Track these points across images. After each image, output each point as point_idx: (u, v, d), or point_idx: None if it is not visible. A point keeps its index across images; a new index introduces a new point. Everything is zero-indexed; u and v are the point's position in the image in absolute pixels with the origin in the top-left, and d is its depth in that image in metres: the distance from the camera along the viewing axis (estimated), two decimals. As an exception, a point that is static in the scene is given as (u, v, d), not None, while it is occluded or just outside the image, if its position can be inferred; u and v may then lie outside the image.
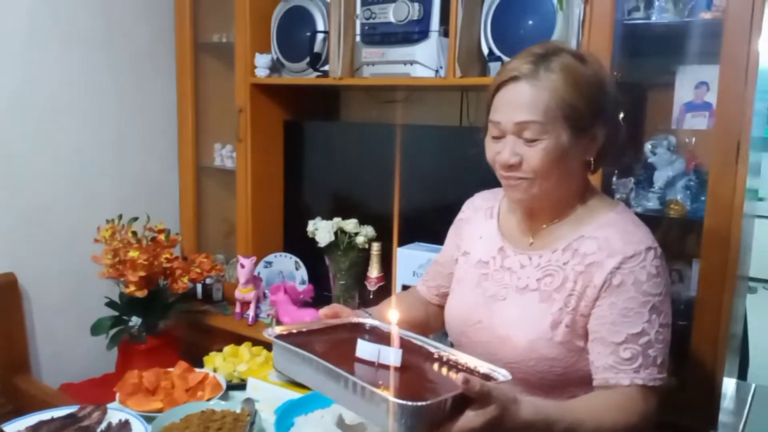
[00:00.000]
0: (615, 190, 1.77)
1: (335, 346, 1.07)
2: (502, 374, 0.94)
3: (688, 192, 1.71)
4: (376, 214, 2.29)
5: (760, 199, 6.23)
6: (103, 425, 1.26)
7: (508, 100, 1.09)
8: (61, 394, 2.19)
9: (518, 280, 1.17)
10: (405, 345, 1.03)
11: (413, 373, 0.97)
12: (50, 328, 2.38)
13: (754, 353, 3.50)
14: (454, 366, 0.99)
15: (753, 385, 1.95)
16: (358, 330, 1.14)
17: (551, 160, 1.07)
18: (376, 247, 2.08)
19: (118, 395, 1.41)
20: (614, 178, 1.78)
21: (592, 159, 1.13)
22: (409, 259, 1.94)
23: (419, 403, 0.80)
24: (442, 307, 1.37)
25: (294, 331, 1.08)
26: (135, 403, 1.38)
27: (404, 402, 0.80)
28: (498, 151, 1.10)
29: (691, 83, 1.67)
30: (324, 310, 1.17)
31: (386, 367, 0.96)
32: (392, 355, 0.97)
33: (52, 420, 1.26)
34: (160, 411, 1.34)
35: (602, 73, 1.11)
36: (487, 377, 0.94)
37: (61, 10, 2.31)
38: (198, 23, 2.59)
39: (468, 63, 1.87)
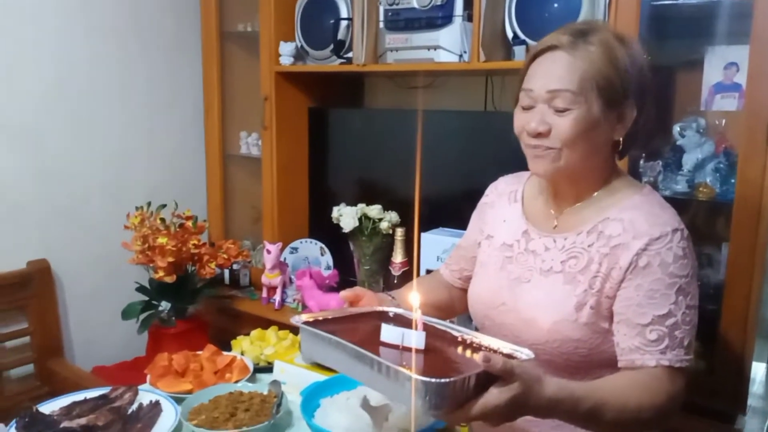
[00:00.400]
0: (642, 173, 1.75)
1: (360, 332, 1.08)
2: (525, 353, 0.94)
3: (718, 174, 1.68)
4: (401, 200, 2.30)
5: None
6: (135, 406, 1.29)
7: (544, 68, 1.09)
8: (93, 376, 2.24)
9: (542, 262, 1.16)
10: (429, 330, 1.03)
11: (437, 355, 0.98)
12: (83, 313, 2.45)
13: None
14: (477, 348, 1.00)
15: (784, 371, 1.92)
16: (382, 317, 1.15)
17: (580, 131, 1.07)
18: (399, 232, 2.09)
19: (148, 377, 1.44)
20: (642, 161, 1.76)
21: (620, 140, 1.12)
22: (434, 244, 1.95)
23: (443, 380, 0.81)
24: (465, 291, 1.38)
25: (320, 318, 1.10)
26: (165, 384, 1.41)
27: (428, 379, 0.81)
28: (527, 121, 1.10)
29: (721, 64, 1.64)
30: (345, 293, 1.19)
31: (410, 350, 0.97)
32: (415, 338, 0.98)
33: (85, 401, 1.30)
34: (189, 392, 1.37)
35: (639, 56, 1.11)
36: (509, 357, 0.94)
37: (88, 3, 2.35)
38: (223, 13, 2.61)
39: (492, 47, 1.85)
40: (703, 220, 1.83)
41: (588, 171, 1.14)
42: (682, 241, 1.07)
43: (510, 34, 1.85)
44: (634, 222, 1.08)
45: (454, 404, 0.84)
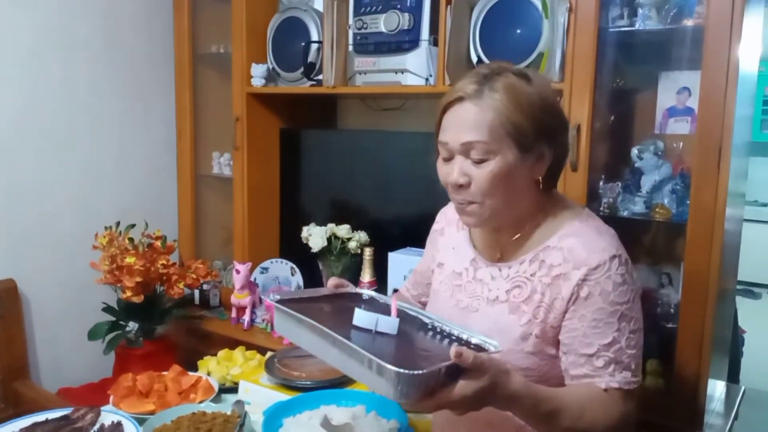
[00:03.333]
0: (602, 195, 1.80)
1: (335, 313, 1.09)
2: (493, 345, 0.97)
3: (674, 196, 1.73)
4: (372, 220, 2.32)
5: (765, 205, 6.22)
6: (96, 427, 1.29)
7: (454, 121, 1.09)
8: (59, 398, 2.22)
9: (489, 291, 1.18)
10: (400, 315, 1.05)
11: (409, 342, 1.00)
12: (50, 333, 2.42)
13: (759, 358, 3.48)
14: (447, 336, 1.02)
15: (743, 388, 1.96)
16: (356, 300, 1.16)
17: (498, 181, 1.07)
18: (368, 252, 2.11)
19: (111, 398, 1.44)
20: (601, 183, 1.80)
21: (540, 178, 1.12)
22: (401, 263, 1.97)
23: (415, 372, 0.83)
24: None
25: (296, 297, 1.11)
26: (128, 405, 1.41)
27: (400, 370, 0.83)
28: (448, 173, 1.11)
29: (674, 88, 1.70)
30: (332, 281, 1.19)
31: (383, 335, 0.99)
32: (389, 324, 1.00)
33: (47, 422, 1.29)
34: (152, 413, 1.37)
35: (547, 92, 1.12)
36: (479, 348, 0.97)
37: (62, 24, 2.37)
38: (196, 35, 2.64)
39: (457, 71, 1.89)
40: (663, 240, 1.88)
41: (517, 212, 1.14)
42: (620, 267, 1.08)
43: (474, 59, 1.89)
44: (573, 251, 1.09)
45: (424, 394, 0.87)
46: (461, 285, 1.23)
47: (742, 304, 5.40)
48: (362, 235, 2.23)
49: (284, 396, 1.36)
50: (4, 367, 2.24)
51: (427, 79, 1.99)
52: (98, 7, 2.46)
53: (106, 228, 2.20)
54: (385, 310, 1.05)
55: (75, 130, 2.44)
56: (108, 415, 1.32)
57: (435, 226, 1.37)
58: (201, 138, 2.73)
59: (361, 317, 1.00)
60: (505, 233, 1.18)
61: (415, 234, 2.04)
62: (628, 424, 1.08)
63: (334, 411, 1.26)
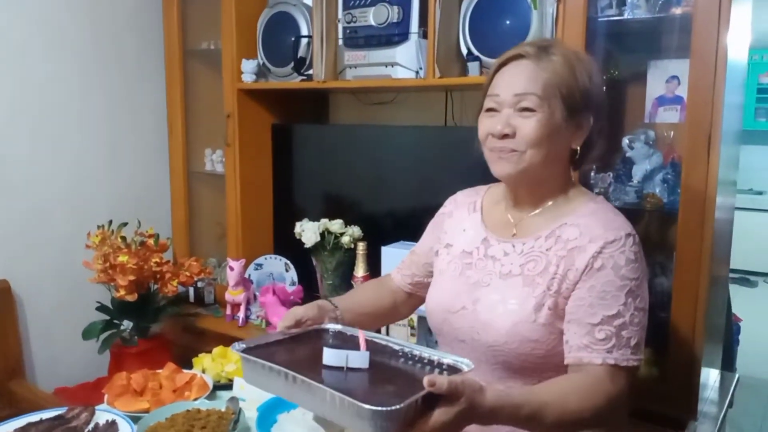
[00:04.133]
0: (594, 185, 1.80)
1: (303, 355, 1.09)
2: (465, 364, 0.98)
3: (665, 185, 1.73)
4: (365, 214, 2.32)
5: (759, 193, 6.22)
6: (91, 426, 1.28)
7: (510, 75, 1.16)
8: (55, 397, 2.21)
9: (502, 266, 1.20)
10: (370, 346, 1.05)
11: (382, 373, 1.00)
12: (44, 333, 2.41)
13: (755, 345, 3.50)
14: (419, 360, 1.03)
15: (737, 375, 1.97)
16: (323, 335, 1.16)
17: (544, 134, 1.13)
18: (361, 246, 2.11)
19: (106, 396, 1.44)
20: (593, 173, 1.80)
21: (578, 149, 1.19)
22: (394, 257, 1.97)
23: (391, 408, 0.83)
24: (411, 295, 1.44)
25: (261, 343, 1.10)
26: (122, 404, 1.41)
27: (376, 408, 0.83)
28: (493, 124, 1.16)
29: (663, 77, 1.70)
30: (283, 322, 1.18)
31: (355, 371, 0.99)
32: (360, 359, 1.00)
33: (41, 421, 1.29)
34: (146, 411, 1.37)
35: (596, 73, 1.19)
36: (452, 368, 0.98)
37: (49, 21, 2.35)
38: (186, 31, 2.63)
39: (447, 63, 1.90)
40: (655, 229, 1.88)
41: (547, 177, 1.19)
42: (634, 245, 1.13)
43: (464, 51, 1.89)
44: (590, 226, 1.14)
45: (403, 426, 0.86)
46: (471, 263, 1.26)
47: (738, 292, 5.44)
48: (355, 230, 2.23)
49: (278, 392, 1.36)
50: (0, 368, 2.24)
51: (417, 72, 1.99)
52: (86, 2, 2.44)
53: (98, 227, 2.19)
54: (353, 342, 1.06)
55: (65, 129, 2.43)
56: (102, 414, 1.32)
57: (442, 210, 1.41)
58: (193, 135, 2.72)
59: (331, 356, 0.99)
60: (524, 206, 1.23)
61: (409, 228, 2.05)
62: (617, 404, 1.09)
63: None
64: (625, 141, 1.79)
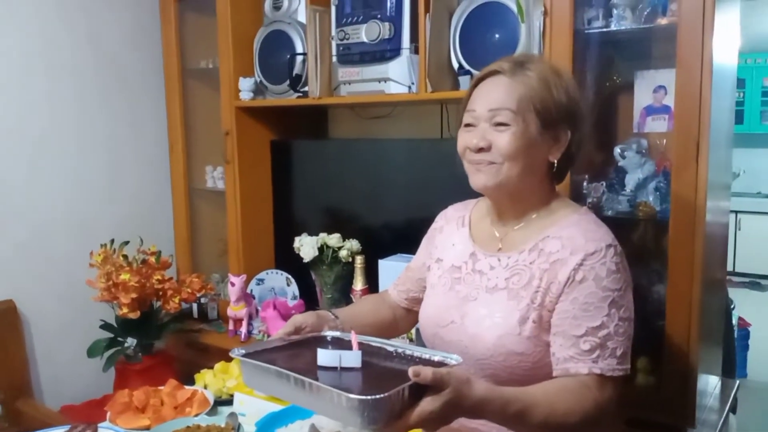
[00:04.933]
0: (586, 195, 1.81)
1: (299, 358, 1.11)
2: (454, 359, 1.01)
3: (658, 193, 1.73)
4: (363, 227, 2.34)
5: (767, 196, 6.17)
6: (93, 442, 1.31)
7: (486, 91, 1.19)
8: (61, 416, 2.24)
9: (488, 280, 1.22)
10: (364, 348, 1.08)
11: (375, 372, 1.03)
12: (50, 352, 2.45)
13: (766, 350, 3.46)
14: (411, 359, 1.05)
15: (737, 382, 1.97)
16: (320, 343, 1.18)
17: (519, 146, 1.15)
18: (359, 260, 2.13)
19: (108, 414, 1.46)
20: (585, 183, 1.81)
21: (555, 162, 1.20)
22: (391, 270, 1.98)
23: (376, 397, 0.86)
24: (409, 311, 1.46)
25: (259, 349, 1.13)
26: (124, 421, 1.43)
27: (363, 397, 0.86)
28: (470, 138, 1.19)
29: (650, 87, 1.71)
30: (283, 329, 1.21)
31: (349, 370, 1.02)
32: (352, 358, 1.02)
33: (44, 440, 1.32)
34: (147, 428, 1.39)
35: (572, 87, 1.21)
36: (441, 364, 1.00)
37: (52, 42, 2.40)
38: (185, 50, 2.67)
39: (439, 78, 1.92)
40: (649, 237, 1.88)
41: (527, 190, 1.21)
42: (615, 256, 1.14)
43: (455, 65, 1.92)
44: (571, 238, 1.16)
45: (391, 417, 0.89)
46: (460, 277, 1.28)
47: (748, 296, 5.40)
48: (354, 244, 2.24)
49: (277, 407, 1.38)
50: (6, 387, 2.27)
51: (409, 87, 2.01)
52: (85, 24, 2.49)
53: (101, 245, 2.22)
54: (350, 347, 1.08)
55: (66, 149, 2.47)
56: (105, 431, 1.34)
57: (434, 225, 1.44)
58: (193, 152, 2.76)
59: (324, 357, 1.03)
60: (508, 220, 1.25)
61: (406, 240, 2.06)
62: (605, 412, 1.10)
63: (323, 420, 1.28)
64: (617, 150, 1.80)
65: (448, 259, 1.32)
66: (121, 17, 2.59)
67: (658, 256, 1.82)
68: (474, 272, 1.25)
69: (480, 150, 1.17)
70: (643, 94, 1.72)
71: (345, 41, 2.10)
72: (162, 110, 2.73)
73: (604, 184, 1.80)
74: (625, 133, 1.86)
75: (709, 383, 1.84)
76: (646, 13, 1.62)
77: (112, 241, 2.23)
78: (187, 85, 2.70)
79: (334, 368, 1.02)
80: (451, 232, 1.36)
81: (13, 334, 2.30)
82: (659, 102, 1.70)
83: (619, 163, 1.80)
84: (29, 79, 2.35)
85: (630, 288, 1.16)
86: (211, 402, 1.50)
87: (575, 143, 1.21)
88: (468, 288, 1.25)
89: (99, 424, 1.37)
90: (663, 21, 1.60)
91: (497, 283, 1.21)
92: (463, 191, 1.39)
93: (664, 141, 1.80)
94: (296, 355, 1.13)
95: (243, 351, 1.10)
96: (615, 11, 1.66)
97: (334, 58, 2.18)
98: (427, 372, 0.89)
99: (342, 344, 1.17)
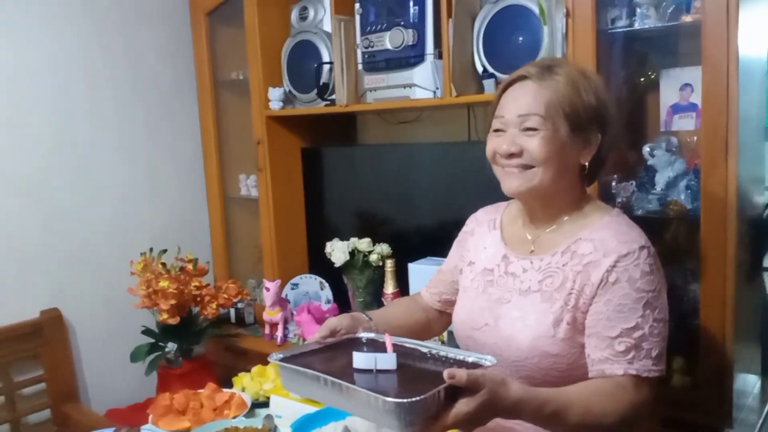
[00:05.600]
0: (615, 195, 1.80)
1: (336, 361, 1.14)
2: (488, 360, 1.02)
3: (689, 191, 1.71)
4: (393, 231, 2.37)
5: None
6: (136, 444, 1.37)
7: (514, 96, 1.20)
8: (106, 419, 2.31)
9: (521, 283, 1.23)
10: (399, 350, 1.10)
11: (410, 374, 1.04)
12: (95, 358, 2.54)
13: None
14: (446, 361, 1.07)
15: (778, 380, 1.92)
16: (356, 345, 1.21)
17: (549, 150, 1.16)
18: (390, 264, 2.15)
19: (150, 417, 1.52)
20: (614, 183, 1.80)
21: (586, 164, 1.21)
22: (421, 273, 2.00)
23: (412, 399, 0.88)
24: (442, 313, 1.47)
25: (296, 353, 1.17)
26: (166, 423, 1.48)
27: (398, 400, 0.88)
28: (499, 144, 1.20)
29: (676, 86, 1.69)
30: (319, 333, 1.23)
31: (385, 372, 1.04)
32: (387, 360, 1.05)
33: (90, 442, 1.38)
34: (188, 430, 1.44)
35: (601, 89, 1.21)
36: (475, 365, 1.02)
37: (91, 60, 2.49)
38: (216, 62, 2.74)
39: (463, 82, 1.93)
40: (682, 236, 1.86)
41: (559, 193, 1.22)
42: (649, 258, 1.14)
43: (479, 68, 1.93)
44: (604, 241, 1.16)
45: (427, 418, 0.91)
46: (493, 280, 1.29)
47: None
48: (384, 248, 2.27)
49: (312, 408, 1.41)
50: (55, 392, 2.37)
51: (434, 92, 2.03)
52: (121, 41, 2.57)
53: (141, 254, 2.30)
54: (385, 348, 1.10)
55: (105, 161, 2.56)
56: (147, 433, 1.40)
57: (465, 228, 1.45)
58: (227, 161, 2.82)
59: (360, 359, 1.05)
60: (540, 223, 1.26)
61: (436, 243, 2.08)
62: (640, 413, 1.11)
63: (357, 420, 1.30)
64: (646, 149, 1.78)
65: (480, 262, 1.33)
66: (155, 34, 2.68)
67: (691, 254, 1.80)
68: (507, 275, 1.26)
69: (511, 155, 1.18)
70: (669, 93, 1.70)
71: (370, 49, 2.13)
72: (196, 122, 2.81)
73: (634, 183, 1.79)
74: (652, 132, 1.84)
75: (748, 382, 1.81)
76: (669, 10, 1.61)
77: (151, 249, 2.30)
78: (219, 97, 2.77)
79: (369, 370, 1.04)
80: (483, 235, 1.37)
81: (59, 341, 2.39)
82: (686, 100, 1.69)
83: (649, 162, 1.78)
84: (71, 97, 2.45)
85: (664, 289, 1.16)
86: (249, 404, 1.54)
87: (606, 145, 1.21)
88: (501, 290, 1.26)
89: (141, 427, 1.43)
90: (687, 18, 1.58)
91: (530, 285, 1.22)
92: (492, 194, 1.39)
93: (694, 138, 1.78)
94: (332, 357, 1.16)
95: (281, 355, 1.14)
96: (638, 10, 1.65)
97: (360, 66, 2.21)
98: (462, 374, 0.90)
99: (377, 345, 1.19)
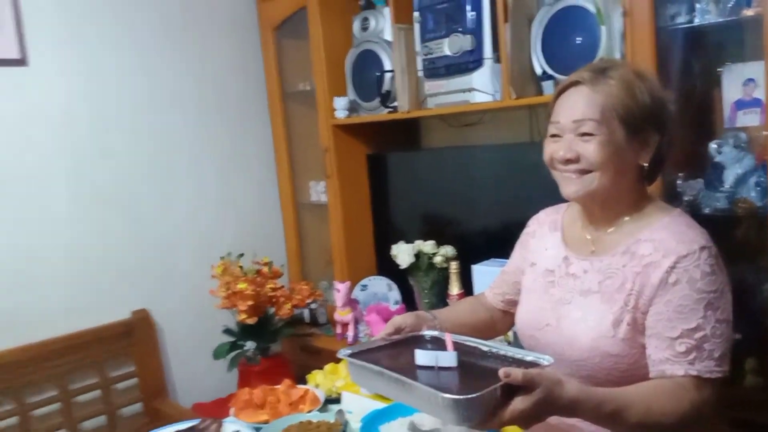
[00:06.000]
0: (681, 193, 1.77)
1: (401, 358, 1.19)
2: (546, 359, 1.05)
3: (759, 188, 1.66)
4: (457, 233, 2.40)
5: None
6: (219, 435, 1.47)
7: (568, 102, 1.21)
8: (192, 412, 2.47)
9: (582, 284, 1.25)
10: (460, 348, 1.14)
11: (471, 371, 1.09)
12: (181, 355, 2.71)
13: None
14: (505, 359, 1.10)
15: None
16: (420, 342, 1.26)
17: (606, 154, 1.16)
18: (454, 265, 2.19)
19: (232, 410, 1.63)
20: (679, 181, 1.77)
21: (645, 165, 1.21)
22: (485, 274, 2.03)
23: (469, 396, 0.92)
24: (505, 313, 1.50)
25: (364, 348, 1.23)
26: (246, 416, 1.57)
27: (456, 396, 0.93)
28: (556, 150, 1.21)
29: (739, 81, 1.65)
30: (384, 330, 1.30)
31: (446, 370, 1.09)
32: (448, 358, 1.10)
33: (177, 432, 1.50)
34: (266, 422, 1.53)
35: (657, 88, 1.21)
36: (533, 364, 1.05)
37: (169, 78, 2.66)
38: (284, 74, 2.87)
39: (522, 84, 1.95)
40: (753, 234, 1.81)
41: (618, 194, 1.22)
42: (710, 258, 1.13)
43: (539, 71, 1.95)
44: (663, 241, 1.16)
45: (485, 414, 0.95)
46: (554, 281, 1.31)
47: None
48: (448, 250, 2.31)
49: (381, 404, 1.47)
50: (146, 387, 2.55)
51: (493, 95, 2.06)
52: (197, 59, 2.73)
53: (220, 258, 2.44)
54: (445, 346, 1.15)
55: (187, 174, 2.72)
56: (229, 425, 1.49)
57: (527, 230, 1.47)
58: (297, 169, 2.94)
59: (422, 357, 1.09)
60: (600, 224, 1.26)
61: (499, 245, 2.09)
62: (701, 414, 1.10)
63: (423, 417, 1.33)
64: (713, 146, 1.75)
65: (541, 263, 1.35)
66: (227, 50, 2.82)
67: (762, 252, 1.75)
68: (567, 276, 1.28)
69: (568, 161, 1.19)
70: (732, 88, 1.66)
71: (429, 56, 2.18)
72: (267, 132, 2.95)
73: (702, 181, 1.76)
74: (718, 129, 1.80)
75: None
76: (730, 5, 1.57)
77: (230, 254, 2.45)
78: (287, 107, 2.89)
79: (431, 367, 1.09)
80: (544, 236, 1.39)
81: (148, 340, 2.58)
82: (749, 95, 1.64)
83: (716, 159, 1.74)
84: (154, 112, 2.61)
85: (727, 289, 1.14)
86: (322, 400, 1.61)
87: (665, 144, 1.20)
88: (562, 291, 1.28)
89: (224, 419, 1.54)
90: (748, 12, 1.54)
91: (590, 286, 1.23)
92: (554, 194, 1.39)
93: (763, 134, 1.73)
94: (398, 354, 1.21)
95: (349, 351, 1.20)
96: (698, 6, 1.62)
97: (420, 73, 2.26)
98: (517, 373, 0.93)
99: (440, 343, 1.23)
